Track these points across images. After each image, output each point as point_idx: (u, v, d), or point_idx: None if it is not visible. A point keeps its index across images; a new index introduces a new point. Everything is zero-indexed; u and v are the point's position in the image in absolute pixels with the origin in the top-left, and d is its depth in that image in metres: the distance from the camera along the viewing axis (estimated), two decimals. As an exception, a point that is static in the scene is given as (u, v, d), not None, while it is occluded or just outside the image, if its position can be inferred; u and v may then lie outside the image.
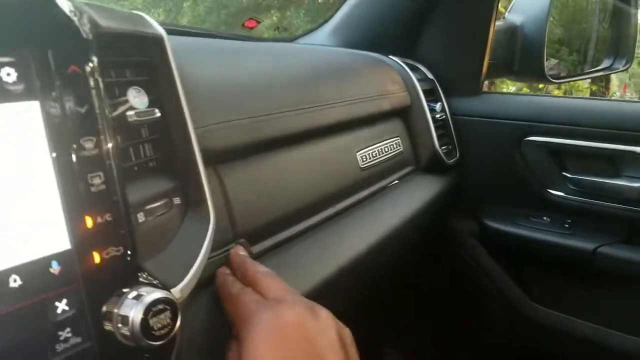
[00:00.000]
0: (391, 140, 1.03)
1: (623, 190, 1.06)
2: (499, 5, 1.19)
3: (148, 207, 0.45)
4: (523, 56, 1.23)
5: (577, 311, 1.17)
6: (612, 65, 1.48)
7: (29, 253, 0.34)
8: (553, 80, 1.34)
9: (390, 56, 1.17)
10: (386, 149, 1.01)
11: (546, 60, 1.24)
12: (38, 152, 0.35)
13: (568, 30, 1.84)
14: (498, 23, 1.21)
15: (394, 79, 1.09)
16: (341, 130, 0.88)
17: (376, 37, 1.22)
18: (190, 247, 0.48)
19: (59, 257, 0.35)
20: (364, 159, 0.92)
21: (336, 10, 1.26)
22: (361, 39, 1.22)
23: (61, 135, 0.36)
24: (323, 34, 1.28)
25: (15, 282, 0.33)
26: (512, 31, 1.21)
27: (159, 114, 0.47)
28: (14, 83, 0.34)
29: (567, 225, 1.16)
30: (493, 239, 1.24)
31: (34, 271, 0.34)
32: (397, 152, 1.05)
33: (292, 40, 1.35)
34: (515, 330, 1.25)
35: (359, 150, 0.91)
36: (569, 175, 1.14)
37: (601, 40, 1.64)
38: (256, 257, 0.65)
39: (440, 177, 1.16)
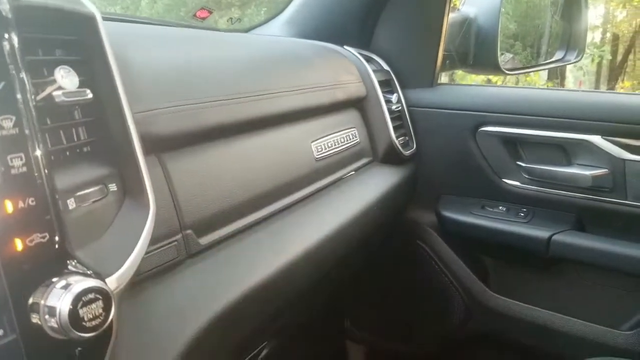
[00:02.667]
0: (347, 130, 1.03)
1: (575, 178, 1.09)
2: (453, -3, 1.20)
3: (80, 193, 0.42)
4: (477, 48, 1.25)
5: (533, 298, 1.19)
6: (564, 57, 1.52)
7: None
8: (507, 72, 1.37)
9: (346, 47, 1.16)
10: (342, 140, 1.00)
11: (501, 54, 1.26)
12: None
13: (522, 25, 1.89)
14: (452, 15, 1.22)
15: (348, 69, 1.09)
16: (295, 120, 0.86)
17: (331, 27, 1.21)
18: (128, 236, 0.45)
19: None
20: (319, 150, 0.91)
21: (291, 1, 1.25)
22: (315, 29, 1.21)
23: None
24: (277, 25, 1.26)
25: None
26: (466, 23, 1.23)
27: (90, 95, 0.44)
28: None
29: (522, 214, 1.18)
30: (450, 229, 1.25)
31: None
32: (353, 143, 1.04)
33: (246, 31, 1.32)
34: (473, 319, 1.27)
35: (314, 141, 0.90)
36: (523, 165, 1.16)
37: (554, 35, 1.69)
38: (205, 249, 0.63)
39: (397, 168, 1.16)
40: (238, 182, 0.69)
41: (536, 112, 1.12)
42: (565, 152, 1.11)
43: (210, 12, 1.14)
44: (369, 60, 1.16)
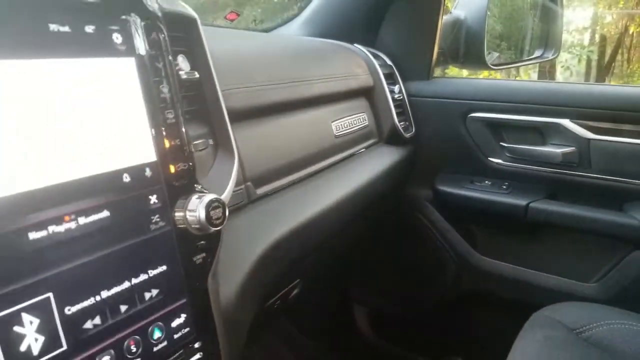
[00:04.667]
0: (358, 115, 1.22)
1: (548, 155, 1.29)
2: (446, 2, 1.40)
3: (194, 142, 0.61)
4: (467, 46, 1.45)
5: (515, 258, 1.39)
6: (542, 54, 1.73)
7: (133, 160, 0.50)
8: (493, 67, 1.57)
9: (355, 44, 1.36)
10: (354, 122, 1.19)
11: (488, 53, 1.46)
12: (135, 93, 0.51)
13: (507, 27, 2.10)
14: (445, 17, 1.42)
15: (359, 63, 1.29)
16: (320, 103, 1.06)
17: (342, 28, 1.41)
18: (223, 173, 0.64)
19: (150, 165, 0.52)
20: (338, 129, 1.11)
21: (303, 6, 1.44)
22: (329, 29, 1.41)
23: (148, 83, 0.52)
24: (295, 26, 1.45)
25: (126, 178, 0.49)
26: (457, 25, 1.43)
27: (197, 75, 0.63)
28: (120, 44, 0.50)
29: (504, 187, 1.38)
30: (444, 201, 1.45)
31: (136, 173, 0.50)
32: (363, 125, 1.24)
33: (267, 31, 1.52)
34: (464, 279, 1.47)
35: (334, 121, 1.10)
36: (505, 145, 1.36)
37: (535, 35, 1.89)
38: (260, 198, 0.83)
39: (398, 148, 1.36)
40: (283, 149, 0.89)
41: (517, 100, 1.32)
42: (541, 133, 1.31)
43: (238, 15, 1.33)
44: (375, 56, 1.36)
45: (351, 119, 1.18)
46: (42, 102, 0.43)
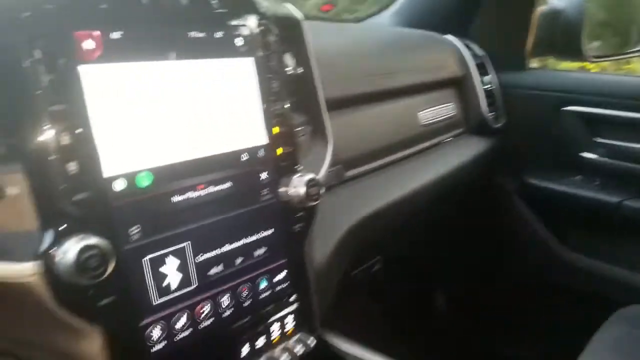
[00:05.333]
0: (446, 105, 1.27)
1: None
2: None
3: (297, 129, 0.72)
4: (564, 37, 1.42)
5: (604, 255, 1.37)
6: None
7: (250, 143, 0.61)
8: (593, 60, 1.53)
9: (447, 35, 1.40)
10: (442, 112, 1.24)
11: (589, 42, 1.42)
12: (253, 87, 0.62)
13: (612, 13, 1.99)
14: (542, 7, 1.41)
15: (449, 54, 1.33)
16: (407, 94, 1.13)
17: (434, 18, 1.45)
18: (320, 156, 0.74)
19: (263, 147, 0.63)
20: (424, 118, 1.17)
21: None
22: (421, 19, 1.45)
23: (263, 79, 0.63)
24: (387, 16, 1.51)
25: (244, 157, 0.61)
26: (554, 15, 1.41)
27: (301, 71, 0.73)
28: (242, 47, 0.61)
29: (597, 183, 1.36)
30: (532, 194, 1.45)
31: (252, 153, 0.62)
32: (450, 115, 1.28)
33: (359, 21, 1.59)
34: (548, 270, 1.47)
35: (421, 110, 1.16)
36: (599, 140, 1.34)
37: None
38: (347, 180, 0.92)
39: (486, 139, 1.38)
40: (372, 136, 0.97)
41: (614, 94, 1.29)
42: (637, 130, 1.27)
43: (333, 6, 1.41)
44: (467, 46, 1.38)
45: (438, 109, 1.23)
46: (184, 94, 0.55)
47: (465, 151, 1.28)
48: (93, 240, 0.45)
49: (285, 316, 0.67)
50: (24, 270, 0.44)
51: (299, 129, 0.73)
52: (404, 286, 1.54)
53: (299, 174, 0.66)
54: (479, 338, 1.62)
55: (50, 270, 0.45)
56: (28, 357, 0.49)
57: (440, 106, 1.25)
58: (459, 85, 1.34)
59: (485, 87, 1.37)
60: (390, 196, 0.97)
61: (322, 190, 0.67)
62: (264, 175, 0.63)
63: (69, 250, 0.44)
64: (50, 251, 0.45)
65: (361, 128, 0.96)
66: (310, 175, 0.65)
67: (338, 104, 0.90)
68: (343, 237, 0.84)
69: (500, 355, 1.54)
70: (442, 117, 1.25)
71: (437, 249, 1.57)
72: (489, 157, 1.38)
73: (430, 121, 1.20)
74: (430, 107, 1.21)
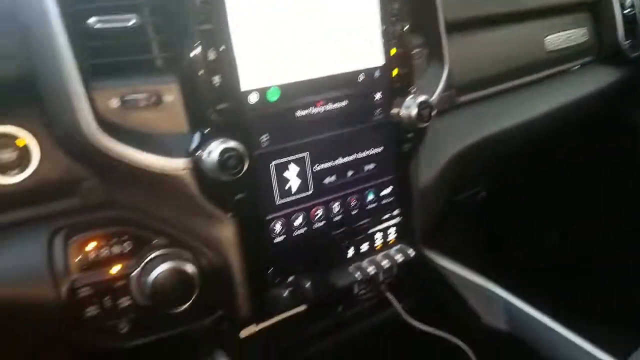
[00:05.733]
0: (577, 30, 1.17)
1: None
2: None
3: (414, 51, 0.73)
4: None
5: None
6: None
7: (367, 63, 0.65)
8: None
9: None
10: (572, 38, 1.16)
11: None
12: (373, 8, 0.64)
13: None
14: None
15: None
16: (535, 17, 1.06)
17: None
18: (434, 79, 0.76)
19: (379, 68, 0.66)
20: (552, 43, 1.10)
21: None
22: None
23: (386, 5, 0.65)
24: None
25: (361, 77, 0.65)
26: None
27: None
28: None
29: None
30: None
31: (369, 74, 0.65)
32: (581, 41, 1.19)
33: None
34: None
35: (548, 35, 1.09)
36: None
37: None
38: (459, 105, 0.92)
39: (619, 69, 1.27)
40: (490, 61, 0.95)
41: None
42: None
43: None
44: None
45: (568, 34, 1.14)
46: (310, 15, 0.60)
47: (593, 81, 1.20)
48: (232, 143, 0.53)
49: (388, 227, 0.74)
50: (178, 164, 0.54)
51: (416, 51, 0.75)
52: (508, 216, 1.53)
53: (412, 96, 0.68)
54: (587, 273, 1.57)
55: (197, 167, 0.54)
56: (178, 238, 0.61)
57: (571, 31, 1.16)
58: (595, 7, 1.22)
59: (626, 11, 1.23)
60: (502, 124, 0.96)
61: (434, 113, 0.69)
62: (378, 96, 0.67)
63: (213, 151, 0.53)
64: (198, 151, 0.54)
65: (480, 52, 0.94)
66: (422, 97, 0.68)
67: (458, 26, 0.89)
68: (449, 161, 0.87)
69: (610, 291, 1.49)
70: (572, 44, 1.16)
71: (549, 181, 1.52)
72: (620, 89, 1.27)
73: (558, 47, 1.12)
74: (560, 32, 1.12)
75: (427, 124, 0.69)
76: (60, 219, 0.56)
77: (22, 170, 0.53)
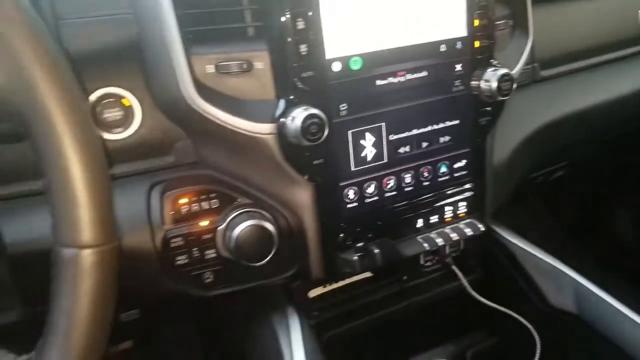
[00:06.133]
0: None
1: None
2: None
3: (497, 22, 0.72)
4: None
5: None
6: None
7: (449, 34, 0.65)
8: None
9: None
10: None
11: None
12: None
13: None
14: None
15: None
16: None
17: None
18: (516, 52, 0.74)
19: (461, 39, 0.66)
20: (646, 16, 1.03)
21: None
22: None
23: None
24: None
25: (442, 48, 0.65)
26: None
27: None
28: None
29: None
30: None
31: (450, 44, 0.65)
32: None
33: None
34: None
35: (642, 8, 1.02)
36: None
37: None
38: (541, 80, 0.89)
39: None
40: (577, 35, 0.91)
41: None
42: None
43: None
44: None
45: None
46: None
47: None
48: (314, 111, 0.56)
49: (459, 201, 0.74)
50: (264, 129, 0.57)
51: (500, 22, 0.73)
52: (583, 198, 1.48)
53: (493, 68, 0.68)
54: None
55: (281, 132, 0.57)
56: (259, 198, 0.65)
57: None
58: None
59: None
60: (586, 102, 0.93)
61: (514, 87, 0.68)
62: (458, 67, 0.67)
63: (297, 117, 0.55)
64: (282, 117, 0.57)
65: (567, 25, 0.90)
66: (504, 70, 0.67)
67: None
68: (527, 137, 0.85)
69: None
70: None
71: (632, 164, 1.44)
72: None
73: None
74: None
75: (506, 97, 0.68)
76: (157, 175, 0.62)
77: (126, 129, 0.59)
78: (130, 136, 0.59)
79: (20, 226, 0.57)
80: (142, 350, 0.97)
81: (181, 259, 0.61)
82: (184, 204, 0.61)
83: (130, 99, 0.58)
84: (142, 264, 0.61)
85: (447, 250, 0.83)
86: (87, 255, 0.36)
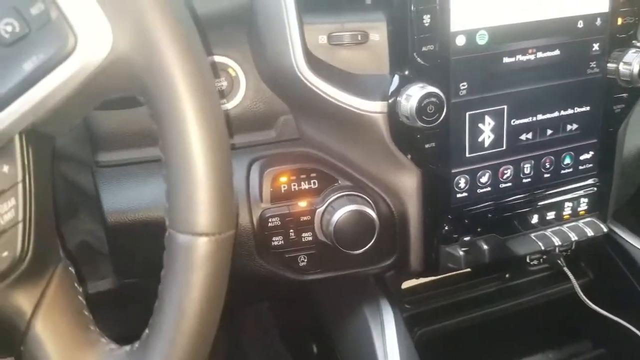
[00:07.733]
0: None
1: None
2: None
3: None
4: None
5: None
6: None
7: (589, 9, 0.57)
8: None
9: None
10: None
11: None
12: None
13: None
14: None
15: None
16: None
17: None
18: None
19: (601, 15, 0.57)
20: None
21: None
22: None
23: None
24: None
25: (580, 24, 0.57)
26: None
27: None
28: None
29: None
30: None
31: (589, 21, 0.57)
32: None
33: None
34: None
35: None
36: None
37: None
38: None
39: None
40: None
41: None
42: None
43: None
44: None
45: None
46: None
47: None
48: (432, 89, 0.51)
49: (581, 197, 0.66)
50: (374, 107, 0.53)
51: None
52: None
53: (635, 50, 0.59)
54: None
55: (392, 111, 0.52)
56: (361, 181, 0.60)
57: None
58: None
59: None
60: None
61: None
62: (596, 47, 0.59)
63: (413, 96, 0.50)
64: (396, 94, 0.52)
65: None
66: (645, 53, 0.58)
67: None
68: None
69: None
70: None
71: None
72: None
73: None
74: None
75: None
76: (258, 149, 0.59)
77: (229, 100, 0.57)
78: (234, 107, 0.57)
79: (119, 195, 0.56)
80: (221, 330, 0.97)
81: (277, 240, 0.58)
82: (284, 182, 0.57)
83: (236, 68, 0.56)
84: (236, 242, 0.59)
85: (558, 249, 0.75)
86: (203, 244, 0.33)
